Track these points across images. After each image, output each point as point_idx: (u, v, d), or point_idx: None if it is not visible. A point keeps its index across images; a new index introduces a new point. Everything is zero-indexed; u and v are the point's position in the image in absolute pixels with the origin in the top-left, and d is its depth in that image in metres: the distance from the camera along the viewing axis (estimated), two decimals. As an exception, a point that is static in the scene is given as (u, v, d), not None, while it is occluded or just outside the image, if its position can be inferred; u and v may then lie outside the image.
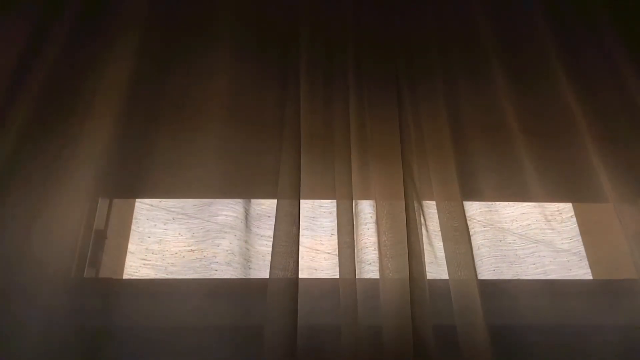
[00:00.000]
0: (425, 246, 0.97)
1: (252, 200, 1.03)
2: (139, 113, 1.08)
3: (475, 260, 0.94)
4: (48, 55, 1.02)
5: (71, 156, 1.00)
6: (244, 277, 0.93)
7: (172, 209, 1.03)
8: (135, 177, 1.04)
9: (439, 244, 0.97)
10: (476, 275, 0.90)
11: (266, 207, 1.04)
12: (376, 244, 0.95)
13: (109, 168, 1.02)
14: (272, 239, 0.87)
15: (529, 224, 1.05)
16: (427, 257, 0.96)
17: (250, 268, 0.96)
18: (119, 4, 1.17)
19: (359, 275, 0.91)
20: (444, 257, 0.94)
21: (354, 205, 0.97)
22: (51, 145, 0.98)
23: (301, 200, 0.96)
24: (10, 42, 0.97)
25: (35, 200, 0.93)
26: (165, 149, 1.07)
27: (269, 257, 0.86)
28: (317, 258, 1.00)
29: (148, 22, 1.16)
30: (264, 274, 0.89)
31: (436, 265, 0.97)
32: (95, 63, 1.08)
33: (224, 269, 0.94)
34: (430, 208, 1.01)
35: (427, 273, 0.93)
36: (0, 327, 0.82)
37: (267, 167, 1.04)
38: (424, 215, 1.01)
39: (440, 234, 0.96)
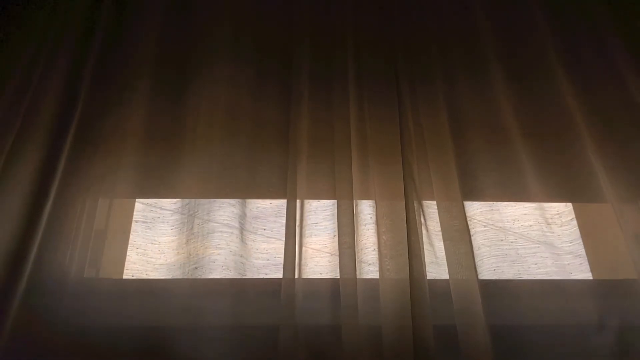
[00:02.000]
0: (426, 246, 0.97)
1: (251, 201, 1.03)
2: (141, 122, 1.09)
3: (476, 260, 0.94)
4: (78, 96, 1.07)
5: (71, 156, 1.00)
6: (241, 277, 0.93)
7: (171, 209, 1.03)
8: (136, 177, 1.04)
9: (439, 244, 0.96)
10: (477, 275, 0.90)
11: (264, 208, 1.04)
12: (376, 244, 0.94)
13: (110, 168, 1.02)
14: (269, 239, 0.88)
15: (530, 225, 1.04)
16: (428, 257, 0.96)
17: (248, 268, 0.95)
18: (131, 41, 1.19)
19: (360, 275, 0.91)
20: (445, 257, 0.94)
21: (354, 205, 0.97)
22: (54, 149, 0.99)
23: (301, 201, 0.97)
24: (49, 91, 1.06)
25: (36, 201, 0.93)
26: (166, 151, 1.06)
27: (266, 258, 0.87)
28: (318, 259, 0.99)
29: (159, 47, 1.18)
30: (261, 274, 0.90)
31: (437, 265, 0.97)
32: (114, 90, 1.11)
33: (222, 269, 0.94)
34: (431, 208, 1.01)
35: (428, 273, 0.93)
36: (0, 327, 0.82)
37: (267, 168, 1.04)
38: (424, 215, 1.01)
39: (440, 233, 0.96)
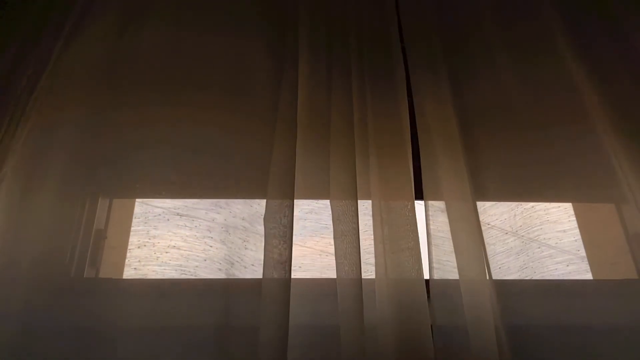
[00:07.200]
0: (429, 245, 0.96)
1: (246, 200, 1.01)
2: (134, 111, 1.08)
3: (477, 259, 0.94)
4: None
5: (71, 156, 1.01)
6: (238, 277, 0.93)
7: (169, 208, 1.03)
8: (135, 177, 1.04)
9: (441, 244, 0.96)
10: (478, 275, 0.90)
11: (259, 208, 1.02)
12: (379, 244, 0.93)
13: (109, 168, 1.03)
14: (264, 240, 0.87)
15: (541, 226, 1.04)
16: (432, 256, 0.95)
17: (241, 268, 0.95)
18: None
19: (359, 275, 0.90)
20: (448, 257, 0.93)
21: (354, 203, 0.95)
22: (49, 145, 0.99)
23: (300, 200, 0.96)
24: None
25: (36, 200, 0.93)
26: (162, 147, 1.05)
27: (260, 257, 0.86)
28: (314, 257, 0.99)
29: (139, 8, 1.16)
30: (255, 274, 0.90)
31: (440, 265, 0.96)
32: (88, 57, 1.09)
33: (219, 269, 0.94)
34: (437, 206, 0.99)
35: (429, 273, 0.92)
36: (1, 327, 0.82)
37: (260, 164, 1.00)
38: (428, 214, 1.00)
39: (444, 233, 0.95)
